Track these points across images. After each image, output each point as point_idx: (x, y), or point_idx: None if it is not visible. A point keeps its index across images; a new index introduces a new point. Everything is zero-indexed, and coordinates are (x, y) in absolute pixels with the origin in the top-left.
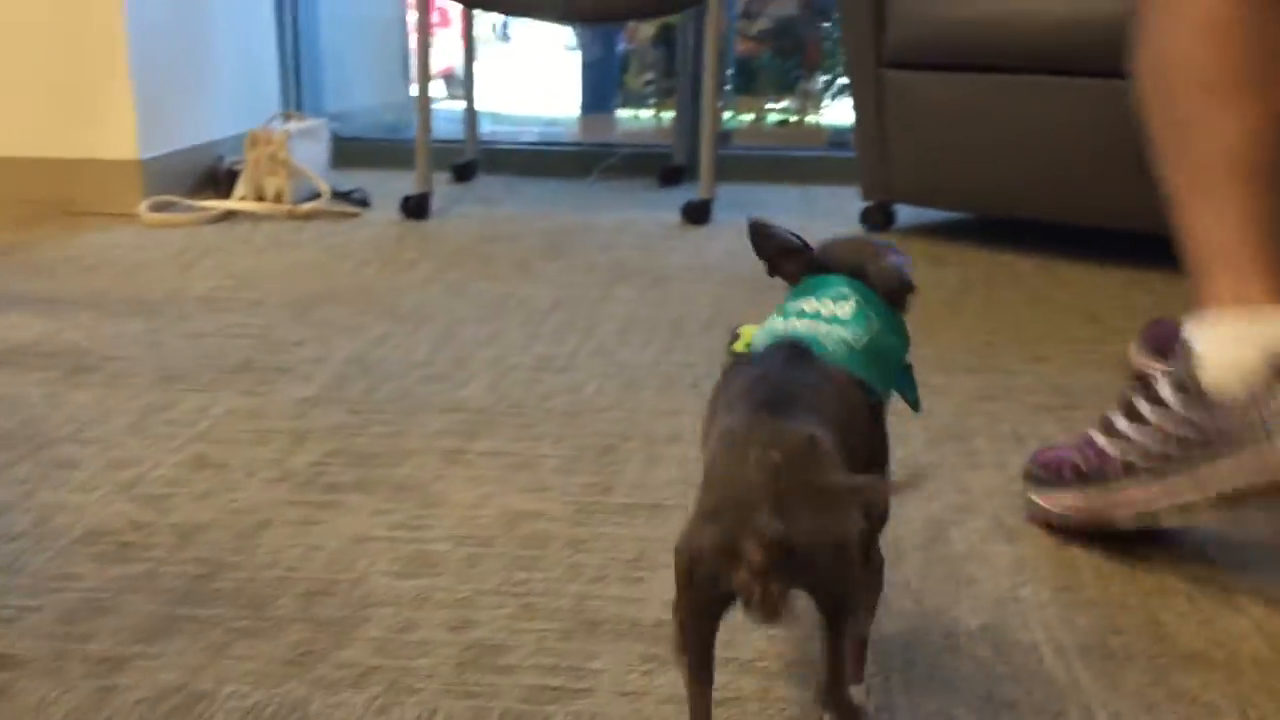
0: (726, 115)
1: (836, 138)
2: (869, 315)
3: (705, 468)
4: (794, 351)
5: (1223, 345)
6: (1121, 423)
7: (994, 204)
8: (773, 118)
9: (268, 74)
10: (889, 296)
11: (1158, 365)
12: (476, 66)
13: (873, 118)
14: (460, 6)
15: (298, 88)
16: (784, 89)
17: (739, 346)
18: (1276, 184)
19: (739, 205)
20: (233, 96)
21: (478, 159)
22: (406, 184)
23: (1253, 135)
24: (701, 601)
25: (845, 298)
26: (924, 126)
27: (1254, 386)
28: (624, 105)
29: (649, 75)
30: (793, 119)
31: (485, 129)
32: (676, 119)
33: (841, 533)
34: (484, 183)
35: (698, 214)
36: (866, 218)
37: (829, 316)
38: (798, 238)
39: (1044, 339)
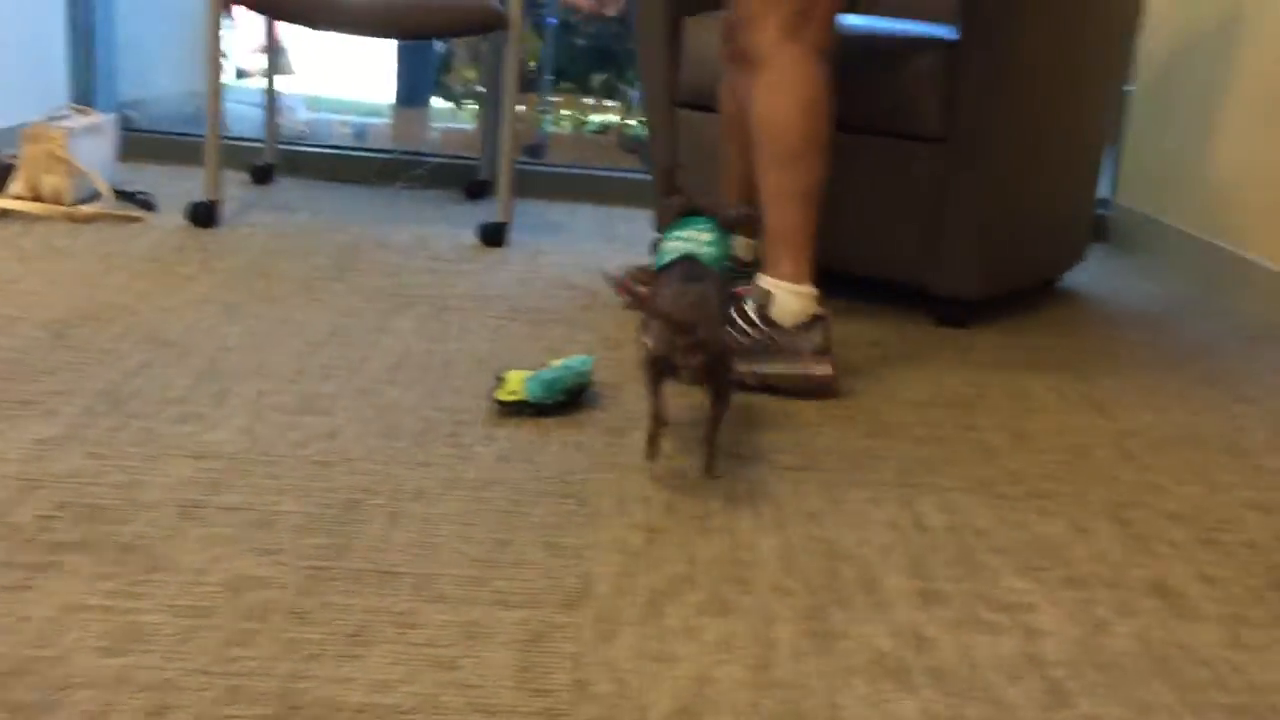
0: (546, 119)
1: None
2: (719, 237)
3: (655, 310)
4: (690, 260)
5: (787, 299)
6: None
7: None
8: (594, 122)
9: (55, 60)
10: (727, 226)
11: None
12: (279, 62)
13: (666, 151)
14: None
15: (90, 76)
16: (607, 94)
17: (502, 395)
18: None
19: (540, 227)
20: (15, 85)
21: (277, 162)
22: (202, 184)
23: (822, 180)
24: (657, 375)
25: (709, 229)
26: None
27: (797, 326)
28: (445, 100)
29: (472, 72)
30: (612, 124)
31: (300, 115)
32: (482, 130)
33: (726, 344)
34: (284, 187)
35: (493, 236)
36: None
37: (700, 240)
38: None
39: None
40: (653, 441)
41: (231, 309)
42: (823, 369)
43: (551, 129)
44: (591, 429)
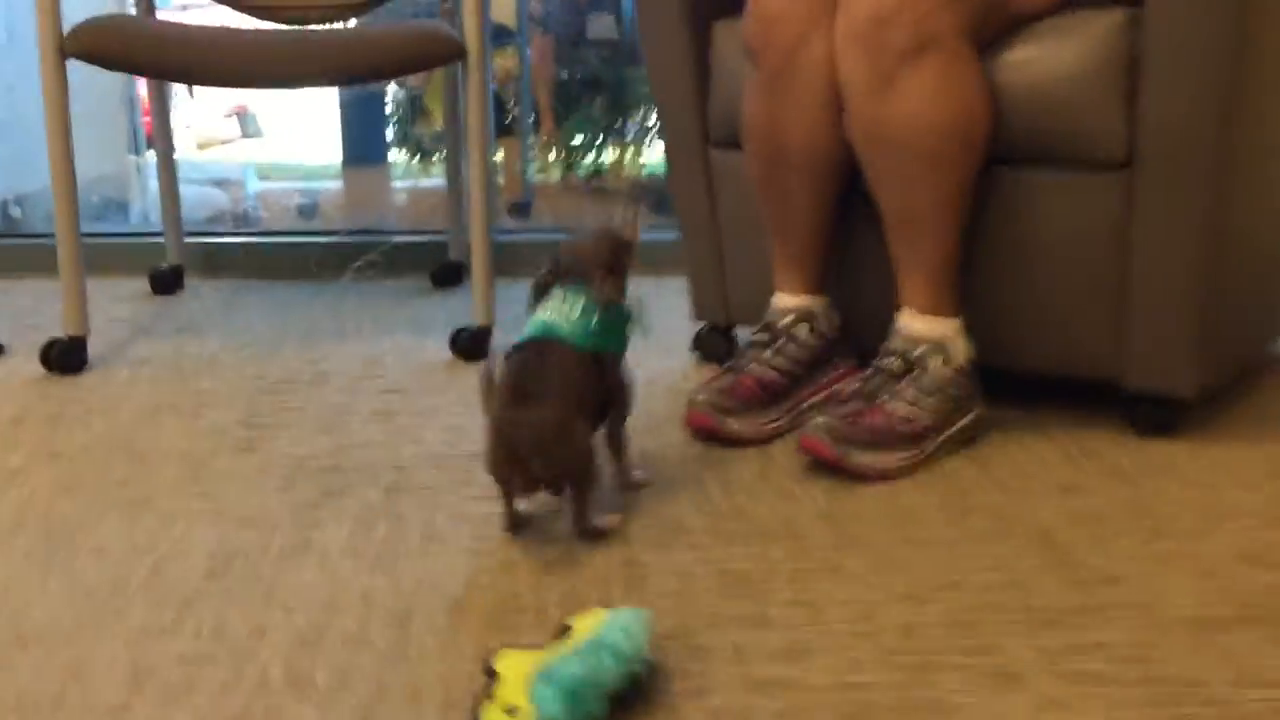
0: (530, 166)
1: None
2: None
3: (489, 427)
4: (543, 343)
5: (958, 339)
6: None
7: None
8: (587, 165)
9: None
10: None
11: None
12: (248, 128)
13: (700, 213)
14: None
15: None
16: (599, 131)
17: (492, 715)
18: None
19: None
20: None
21: (185, 263)
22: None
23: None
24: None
25: (577, 299)
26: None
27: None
28: (411, 153)
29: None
30: (608, 165)
31: (250, 186)
32: (449, 196)
33: (571, 459)
34: (194, 296)
35: (470, 348)
36: (700, 345)
37: (567, 313)
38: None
39: None
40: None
41: (62, 534)
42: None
43: (538, 176)
44: None
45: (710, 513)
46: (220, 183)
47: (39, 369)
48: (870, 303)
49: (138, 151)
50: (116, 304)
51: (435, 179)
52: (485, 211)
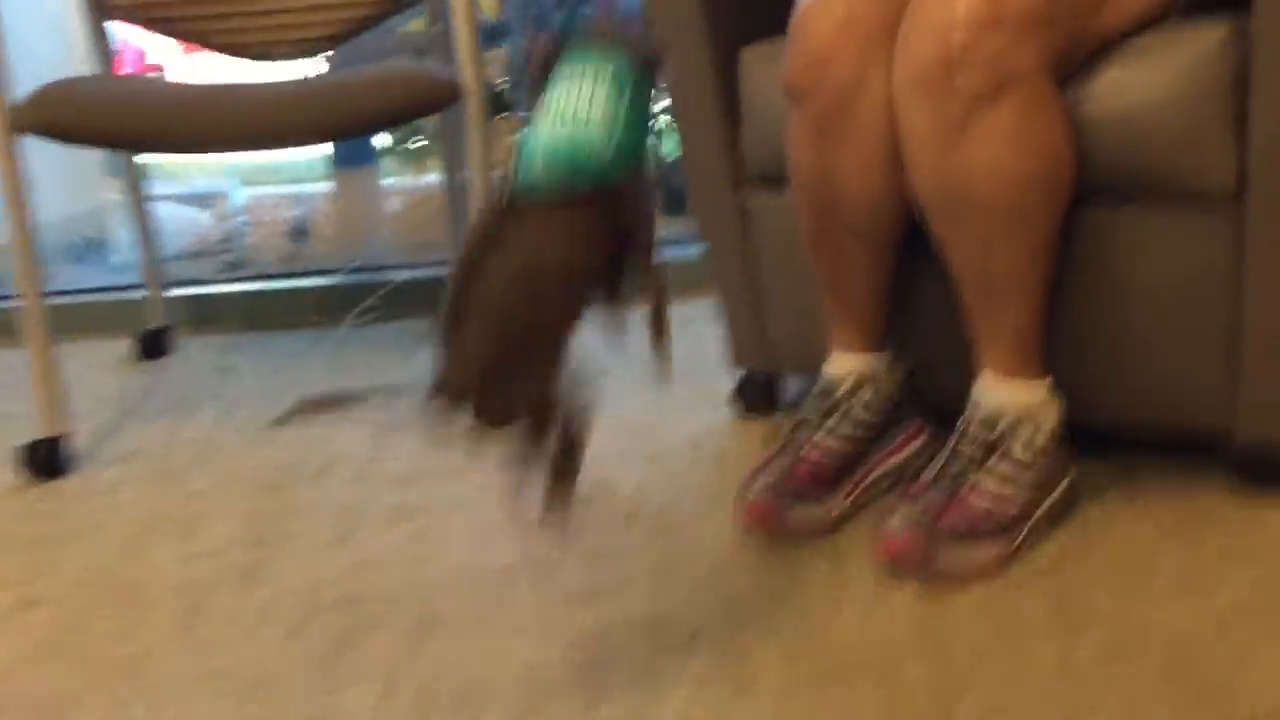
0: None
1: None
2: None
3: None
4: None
5: (1047, 407)
6: None
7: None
8: None
9: None
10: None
11: None
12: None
13: (735, 253)
14: None
15: None
16: None
17: None
18: None
19: None
20: None
21: (169, 325)
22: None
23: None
24: None
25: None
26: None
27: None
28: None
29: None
30: None
31: (234, 199)
32: (447, 231)
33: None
34: (184, 359)
35: None
36: (742, 396)
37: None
38: None
39: None
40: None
41: None
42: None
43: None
44: None
45: (783, 641)
46: (202, 199)
47: (12, 475)
48: (940, 348)
49: (116, 172)
50: (100, 375)
51: (431, 175)
52: None
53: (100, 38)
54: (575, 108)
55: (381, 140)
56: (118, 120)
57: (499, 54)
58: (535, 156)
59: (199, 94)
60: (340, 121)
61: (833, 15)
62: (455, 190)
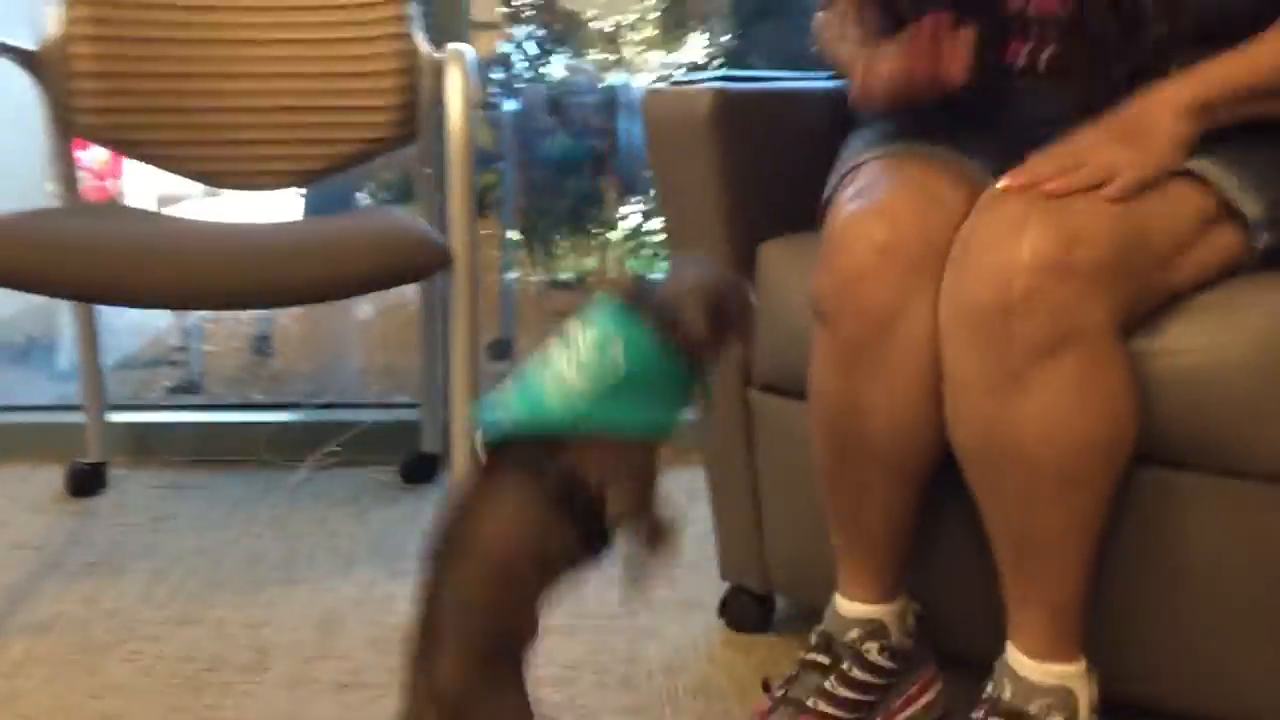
0: (509, 274)
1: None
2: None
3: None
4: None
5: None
6: None
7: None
8: (567, 272)
9: None
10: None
11: None
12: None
13: (735, 462)
14: None
15: None
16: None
17: None
18: None
19: None
20: None
21: (105, 461)
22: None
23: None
24: None
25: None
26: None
27: None
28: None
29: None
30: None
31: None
32: (422, 378)
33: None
34: (120, 495)
35: None
36: (729, 611)
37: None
38: None
39: None
40: None
41: None
42: None
43: (512, 275)
44: None
45: None
46: None
47: None
48: (963, 593)
49: None
50: (24, 516)
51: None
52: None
53: (67, 160)
54: (561, 360)
55: None
56: (67, 270)
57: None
58: (506, 399)
59: (169, 243)
60: (313, 286)
61: (872, 236)
62: (430, 307)
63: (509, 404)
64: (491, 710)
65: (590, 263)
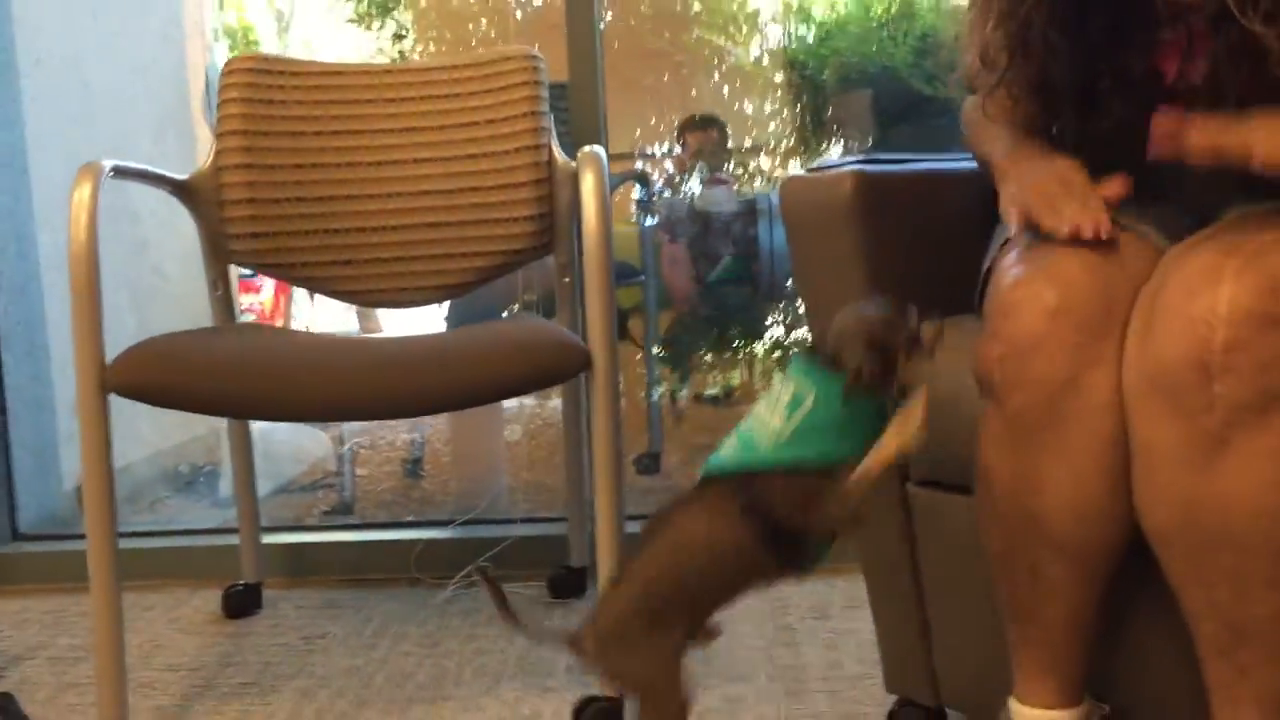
0: (654, 391)
1: None
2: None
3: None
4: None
5: None
6: None
7: None
8: (718, 387)
9: None
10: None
11: None
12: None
13: (896, 564)
14: None
15: None
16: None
17: None
18: None
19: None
20: None
21: (260, 581)
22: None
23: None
24: None
25: (797, 382)
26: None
27: None
28: None
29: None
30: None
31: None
32: (568, 489)
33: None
34: (274, 616)
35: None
36: None
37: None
38: None
39: None
40: None
41: None
42: None
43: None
44: None
45: None
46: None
47: None
48: (1152, 691)
49: None
50: (179, 639)
51: (556, 402)
52: (616, 534)
53: (224, 285)
54: (766, 411)
55: None
56: (215, 385)
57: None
58: (725, 447)
59: (314, 358)
60: (454, 395)
61: (1042, 301)
62: (574, 446)
63: (724, 450)
64: (629, 657)
65: (735, 377)
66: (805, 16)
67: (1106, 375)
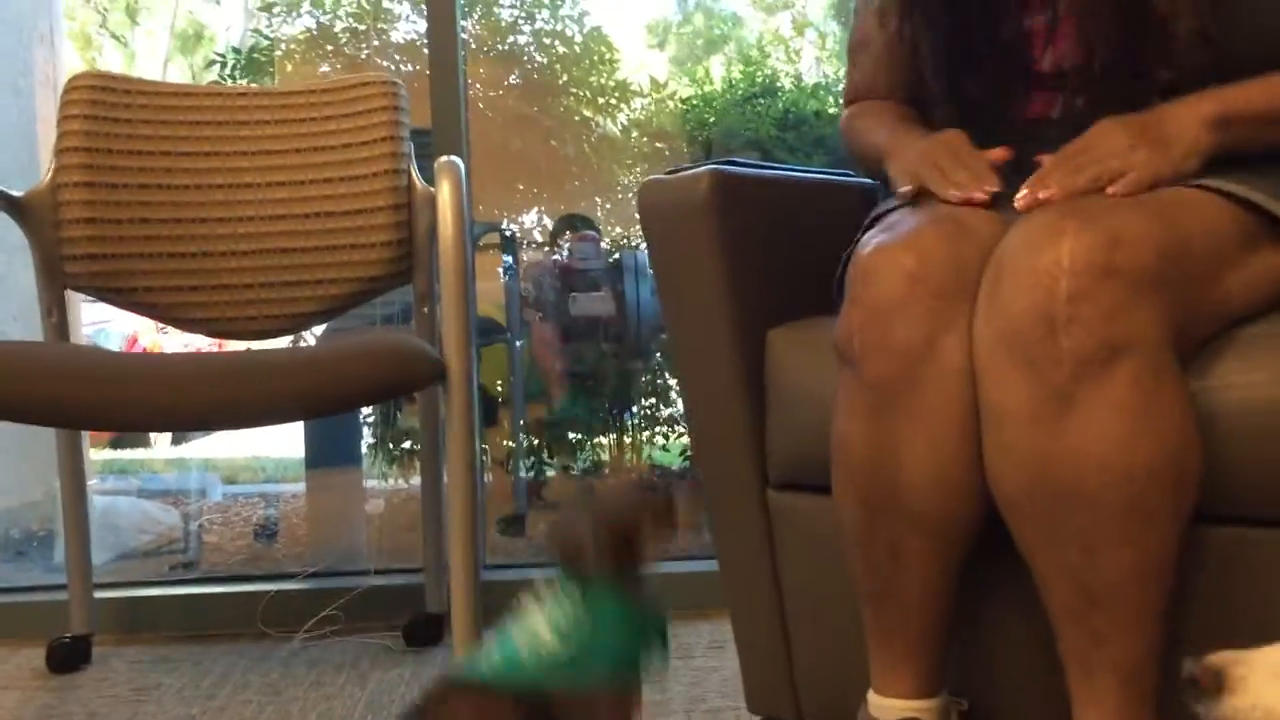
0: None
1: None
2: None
3: None
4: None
5: None
6: None
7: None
8: (584, 460)
9: None
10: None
11: None
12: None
13: (756, 576)
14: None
15: None
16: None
17: None
18: None
19: None
20: None
21: (90, 633)
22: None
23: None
24: None
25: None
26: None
27: None
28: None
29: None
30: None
31: (213, 495)
32: (424, 525)
33: None
34: (102, 672)
35: None
36: None
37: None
38: None
39: None
40: None
41: None
42: None
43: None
44: None
45: None
46: (176, 496)
47: None
48: (1014, 687)
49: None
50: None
51: (417, 479)
52: (471, 570)
53: (58, 309)
54: (535, 625)
55: (367, 438)
56: (35, 389)
57: (496, 351)
58: (490, 655)
59: (158, 365)
60: (308, 401)
61: (902, 266)
62: (432, 491)
63: (487, 656)
64: None
65: (603, 448)
66: (672, 93)
67: (959, 340)
